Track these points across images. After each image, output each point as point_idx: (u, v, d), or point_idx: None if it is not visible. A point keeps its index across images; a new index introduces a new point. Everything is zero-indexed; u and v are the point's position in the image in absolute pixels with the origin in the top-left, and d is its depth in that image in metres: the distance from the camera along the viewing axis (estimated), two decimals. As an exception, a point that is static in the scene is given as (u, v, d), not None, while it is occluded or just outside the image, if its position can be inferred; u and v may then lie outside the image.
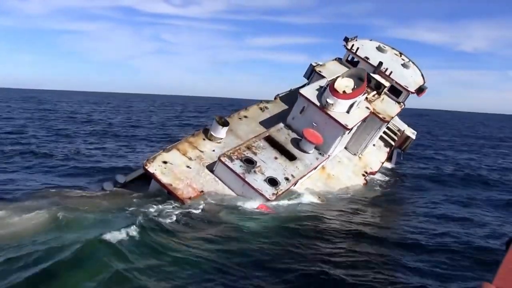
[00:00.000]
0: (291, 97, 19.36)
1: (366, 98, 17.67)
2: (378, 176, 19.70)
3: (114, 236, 8.71)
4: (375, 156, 19.83)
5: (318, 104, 15.73)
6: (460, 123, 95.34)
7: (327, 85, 16.20)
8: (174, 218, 10.84)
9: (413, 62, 21.30)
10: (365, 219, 13.23)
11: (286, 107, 18.64)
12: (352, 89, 16.64)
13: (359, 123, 17.02)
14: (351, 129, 16.27)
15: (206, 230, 10.47)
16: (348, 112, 15.87)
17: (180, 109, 78.03)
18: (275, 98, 19.42)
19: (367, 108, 17.17)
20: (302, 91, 16.25)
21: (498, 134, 59.92)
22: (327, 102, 15.54)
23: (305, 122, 16.01)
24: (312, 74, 19.87)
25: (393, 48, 21.61)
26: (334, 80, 16.36)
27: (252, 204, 12.61)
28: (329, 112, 15.59)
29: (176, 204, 11.98)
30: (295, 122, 16.40)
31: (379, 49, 20.71)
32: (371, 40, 21.42)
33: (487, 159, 30.60)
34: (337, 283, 8.12)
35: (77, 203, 11.78)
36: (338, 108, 15.69)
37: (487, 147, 39.64)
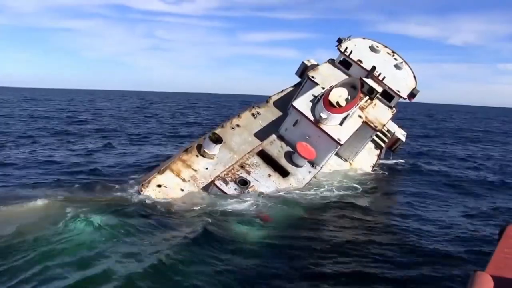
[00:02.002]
0: (283, 101, 19.13)
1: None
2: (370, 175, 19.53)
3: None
4: (366, 160, 19.77)
5: (311, 118, 15.61)
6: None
7: (320, 97, 16.05)
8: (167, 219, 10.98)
9: (405, 62, 21.06)
10: (358, 220, 13.06)
11: (278, 111, 18.52)
12: (346, 100, 16.49)
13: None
14: (344, 143, 16.20)
15: (204, 234, 10.45)
16: (341, 124, 15.79)
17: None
18: (267, 101, 19.21)
19: (360, 116, 17.03)
20: (295, 104, 16.07)
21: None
22: (320, 116, 15.44)
23: (298, 134, 15.95)
24: (304, 74, 19.57)
25: (386, 47, 21.28)
26: (327, 93, 16.11)
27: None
28: (322, 126, 15.51)
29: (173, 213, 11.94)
30: (288, 134, 16.34)
31: (372, 49, 20.39)
32: (364, 38, 21.11)
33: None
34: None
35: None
36: (332, 122, 15.61)
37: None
